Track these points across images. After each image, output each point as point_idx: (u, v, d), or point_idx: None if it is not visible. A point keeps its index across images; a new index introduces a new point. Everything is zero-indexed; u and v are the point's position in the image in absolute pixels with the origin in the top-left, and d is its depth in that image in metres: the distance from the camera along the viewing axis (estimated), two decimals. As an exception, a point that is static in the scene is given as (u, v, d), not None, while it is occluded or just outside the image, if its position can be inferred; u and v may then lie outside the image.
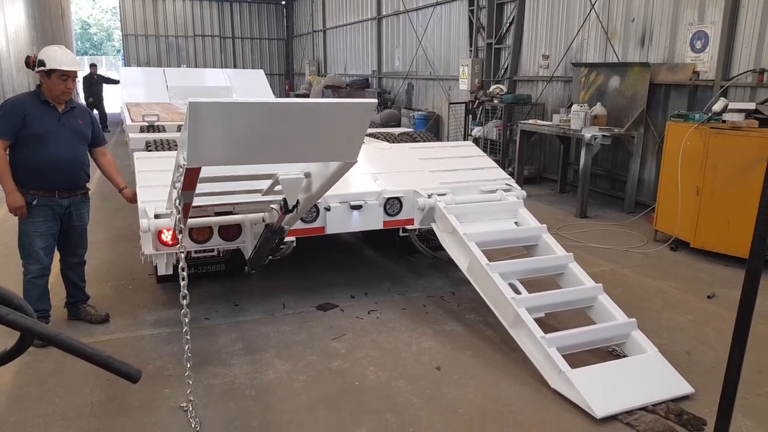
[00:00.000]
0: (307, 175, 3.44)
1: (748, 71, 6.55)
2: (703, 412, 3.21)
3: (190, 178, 2.87)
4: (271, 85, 14.03)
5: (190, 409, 3.10)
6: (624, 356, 3.75)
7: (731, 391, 1.92)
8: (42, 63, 3.86)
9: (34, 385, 3.49)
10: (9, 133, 3.84)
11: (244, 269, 4.38)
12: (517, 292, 4.00)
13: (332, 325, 4.36)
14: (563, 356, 3.48)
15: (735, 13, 6.67)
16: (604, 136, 7.60)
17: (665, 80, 7.58)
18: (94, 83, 17.28)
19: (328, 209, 4.37)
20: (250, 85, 12.78)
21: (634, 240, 6.65)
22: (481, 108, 10.86)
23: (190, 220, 3.75)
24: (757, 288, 1.77)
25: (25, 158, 3.91)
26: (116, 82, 15.81)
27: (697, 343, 4.11)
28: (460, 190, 4.80)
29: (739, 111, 5.78)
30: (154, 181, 4.29)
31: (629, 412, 3.19)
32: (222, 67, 22.15)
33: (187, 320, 3.01)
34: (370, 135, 6.31)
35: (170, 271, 4.07)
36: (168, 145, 5.31)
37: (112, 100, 18.40)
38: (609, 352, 3.86)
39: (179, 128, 6.71)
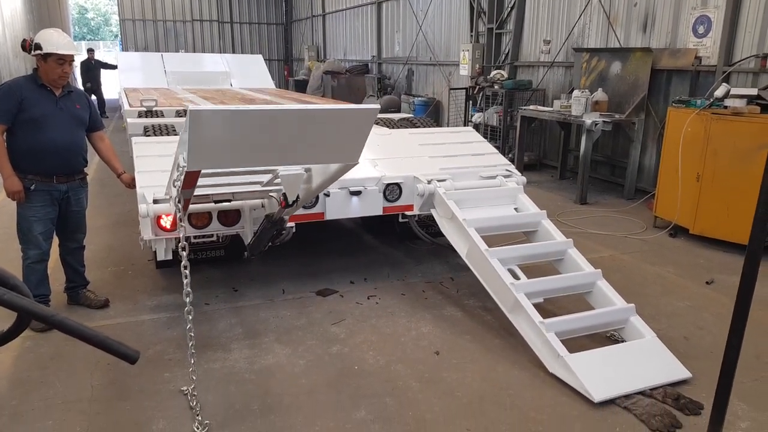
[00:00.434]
0: (308, 170, 3.46)
1: (750, 56, 6.50)
2: (701, 397, 3.23)
3: (190, 179, 2.88)
4: (269, 71, 13.93)
5: (190, 390, 3.12)
6: (622, 341, 3.76)
7: (729, 375, 1.92)
8: (38, 46, 3.83)
9: (35, 370, 3.51)
10: (6, 117, 3.82)
11: (243, 255, 4.38)
12: (516, 277, 4.01)
13: (332, 310, 4.37)
14: (561, 341, 3.49)
15: (738, -3, 6.61)
16: (604, 122, 7.57)
17: (667, 66, 7.53)
18: (92, 68, 17.18)
19: (327, 195, 4.37)
20: (249, 70, 12.68)
21: (633, 226, 6.65)
22: (481, 94, 10.80)
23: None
24: (757, 270, 1.77)
25: (22, 143, 3.88)
26: (114, 67, 15.69)
27: (695, 329, 4.12)
28: (459, 175, 4.79)
29: (741, 97, 5.75)
30: (153, 166, 4.28)
31: (627, 397, 3.21)
32: (220, 52, 22.01)
33: (189, 300, 3.01)
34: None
35: (170, 257, 4.07)
36: (166, 130, 5.28)
37: (110, 86, 18.30)
38: (607, 337, 3.87)
39: (177, 113, 6.69)
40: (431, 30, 13.67)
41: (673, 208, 6.17)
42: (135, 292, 4.66)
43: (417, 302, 4.53)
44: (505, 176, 4.93)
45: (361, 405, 3.17)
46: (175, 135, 5.12)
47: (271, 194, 3.92)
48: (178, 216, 3.08)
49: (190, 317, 3.01)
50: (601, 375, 3.32)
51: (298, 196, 3.49)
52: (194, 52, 23.10)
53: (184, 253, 3.02)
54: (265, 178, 3.66)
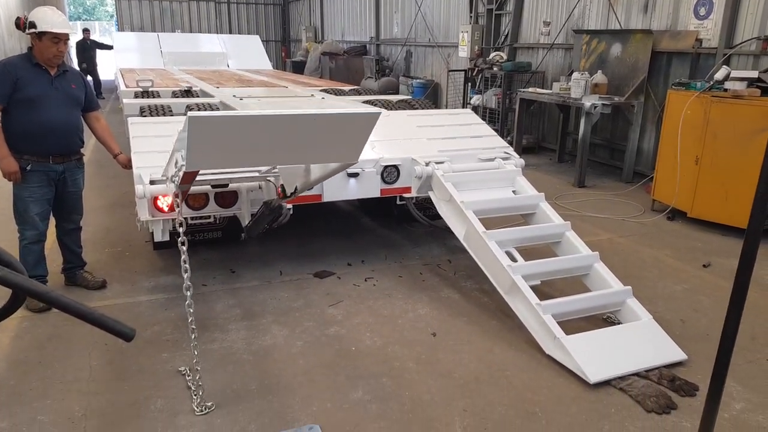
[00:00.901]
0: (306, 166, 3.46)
1: (752, 38, 6.45)
2: (696, 378, 3.25)
3: (188, 177, 2.89)
4: (267, 52, 13.80)
5: (188, 372, 3.13)
6: (618, 323, 3.78)
7: (726, 354, 1.93)
8: (33, 25, 3.78)
9: (33, 350, 3.51)
10: (0, 97, 3.78)
11: (240, 236, 4.38)
12: (513, 260, 4.01)
13: (329, 292, 4.38)
14: (558, 323, 3.50)
15: (740, -22, 6.54)
16: (604, 104, 7.53)
17: (667, 48, 7.47)
18: (87, 48, 17.01)
19: (325, 176, 4.34)
20: (246, 51, 12.58)
21: (631, 209, 6.65)
22: (480, 76, 10.73)
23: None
24: (756, 249, 1.76)
25: (17, 123, 3.85)
26: (110, 47, 15.54)
27: (692, 311, 4.14)
28: (458, 158, 4.77)
29: (742, 79, 5.70)
30: (150, 146, 4.25)
31: (622, 378, 3.23)
32: (217, 33, 21.78)
33: (187, 275, 3.00)
34: (368, 102, 6.23)
35: (167, 238, 4.06)
36: (162, 111, 5.24)
37: (106, 67, 18.13)
38: (604, 319, 3.89)
39: (174, 94, 6.64)
40: (430, 11, 13.53)
41: (672, 191, 6.16)
42: (132, 273, 4.65)
43: (414, 284, 4.53)
44: (504, 158, 4.91)
45: (358, 385, 3.19)
46: (172, 115, 5.08)
47: (269, 178, 3.91)
48: (176, 208, 3.06)
49: (189, 293, 2.99)
50: (597, 356, 3.34)
51: (296, 188, 3.51)
52: (190, 32, 22.85)
53: (184, 248, 3.00)
54: (264, 167, 3.66)
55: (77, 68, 13.96)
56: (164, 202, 3.90)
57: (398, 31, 15.37)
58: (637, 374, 3.26)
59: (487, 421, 2.90)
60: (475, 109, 10.26)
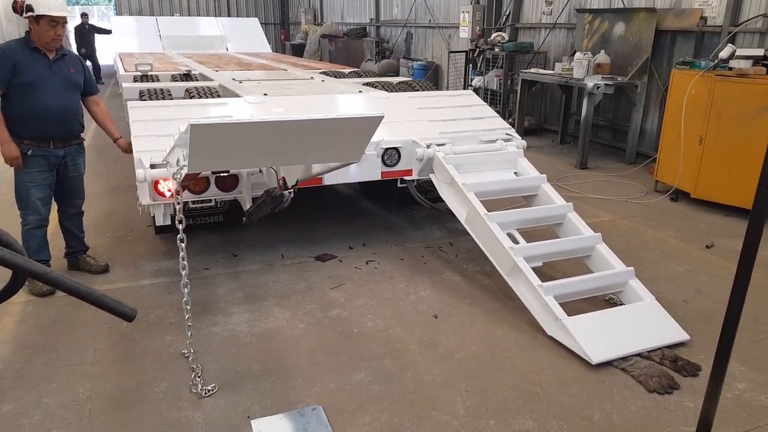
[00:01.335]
0: None
1: (758, 16, 6.36)
2: (698, 359, 3.26)
3: (190, 176, 2.89)
4: (266, 35, 13.67)
5: (191, 352, 3.14)
6: (621, 304, 3.78)
7: (730, 332, 1.93)
8: (30, 8, 3.74)
9: (37, 334, 3.53)
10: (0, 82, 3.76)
11: (242, 220, 4.37)
12: (515, 242, 4.00)
13: (331, 275, 4.38)
14: (560, 304, 3.50)
15: (746, -46, 6.44)
16: (606, 84, 7.46)
17: (671, 26, 7.38)
18: (86, 33, 16.86)
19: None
20: (245, 34, 12.47)
21: (634, 191, 6.63)
22: (481, 57, 10.62)
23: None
24: (762, 227, 1.75)
25: (17, 108, 3.83)
26: (108, 32, 15.40)
27: (694, 292, 4.14)
28: (459, 140, 4.74)
29: (747, 58, 5.64)
30: (149, 130, 4.23)
31: (624, 358, 3.24)
32: (216, 16, 21.57)
33: (183, 245, 3.01)
34: (368, 84, 6.18)
35: (168, 222, 4.06)
36: (162, 95, 5.21)
37: (105, 52, 18.00)
38: (606, 300, 3.89)
39: (173, 78, 6.59)
40: (431, -9, 13.37)
41: (675, 172, 6.13)
42: (135, 258, 4.66)
43: (416, 267, 4.53)
44: (505, 140, 4.87)
45: (360, 367, 3.20)
46: (171, 99, 5.05)
47: (271, 167, 3.91)
48: (176, 206, 3.05)
49: (184, 260, 3.00)
50: (600, 337, 3.34)
51: (297, 181, 3.52)
52: (189, 15, 22.66)
53: (183, 245, 3.00)
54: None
55: (76, 53, 13.89)
56: (165, 186, 3.89)
57: (398, 12, 15.21)
58: (639, 355, 3.27)
59: (488, 402, 2.91)
60: (476, 90, 10.18)
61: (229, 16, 23.25)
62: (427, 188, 4.93)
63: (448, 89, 12.44)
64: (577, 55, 7.96)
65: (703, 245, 5.00)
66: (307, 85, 6.34)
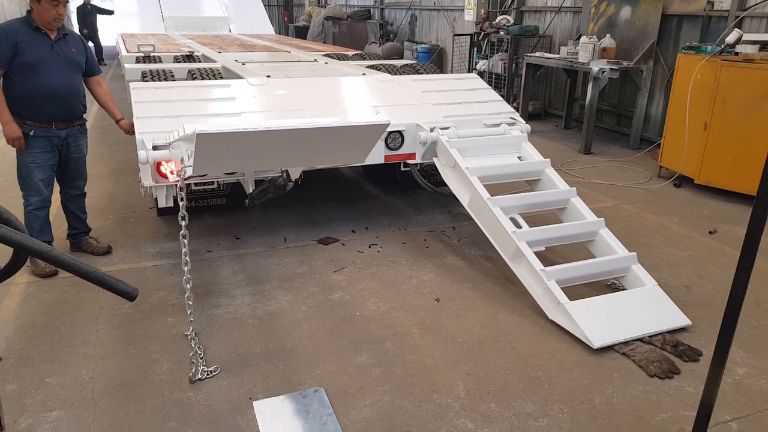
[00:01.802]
0: None
1: (766, 0, 6.28)
2: (700, 344, 3.26)
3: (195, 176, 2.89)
4: (269, 17, 13.55)
5: (194, 334, 3.16)
6: (623, 289, 3.78)
7: (733, 316, 1.92)
8: (30, -14, 3.71)
9: (40, 315, 3.55)
10: (1, 62, 3.73)
11: (244, 203, 4.37)
12: (518, 226, 3.99)
13: (333, 258, 4.38)
14: (562, 289, 3.50)
15: (756, -63, 6.33)
16: (612, 69, 7.39)
17: (678, 11, 7.29)
18: (88, 14, 16.74)
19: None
20: (248, 16, 12.35)
21: (637, 176, 6.60)
22: (486, 40, 10.53)
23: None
24: (766, 213, 1.73)
25: (18, 88, 3.82)
26: (111, 12, 15.30)
27: (697, 278, 4.14)
28: (463, 123, 4.71)
29: (754, 42, 5.57)
30: (152, 111, 4.21)
31: (626, 343, 3.24)
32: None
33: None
34: (372, 67, 6.14)
35: (170, 204, 4.05)
36: (164, 76, 5.17)
37: (108, 33, 17.88)
38: (608, 285, 3.89)
39: (175, 59, 6.55)
40: (436, -27, 13.22)
41: (679, 157, 6.09)
42: (137, 239, 4.67)
43: (418, 251, 4.53)
44: (509, 124, 4.84)
45: (362, 350, 3.21)
46: (174, 80, 5.02)
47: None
48: (180, 202, 3.03)
49: (186, 240, 3.00)
50: (601, 322, 3.35)
51: (301, 174, 3.53)
52: (192, -4, 22.40)
53: (185, 240, 3.00)
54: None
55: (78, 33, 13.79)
56: (167, 168, 3.88)
57: (403, -6, 15.03)
58: (640, 339, 3.28)
59: (490, 385, 2.93)
60: (480, 74, 10.11)
61: (231, -3, 22.98)
62: (431, 172, 4.91)
63: (452, 72, 12.35)
64: (583, 39, 7.88)
65: (706, 231, 4.98)
66: (311, 68, 6.29)
